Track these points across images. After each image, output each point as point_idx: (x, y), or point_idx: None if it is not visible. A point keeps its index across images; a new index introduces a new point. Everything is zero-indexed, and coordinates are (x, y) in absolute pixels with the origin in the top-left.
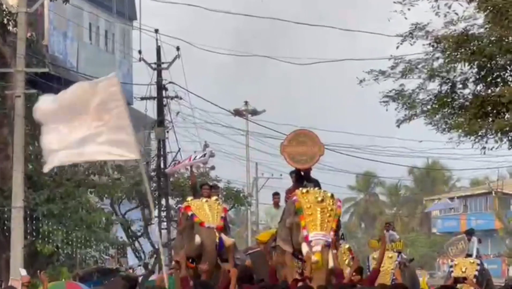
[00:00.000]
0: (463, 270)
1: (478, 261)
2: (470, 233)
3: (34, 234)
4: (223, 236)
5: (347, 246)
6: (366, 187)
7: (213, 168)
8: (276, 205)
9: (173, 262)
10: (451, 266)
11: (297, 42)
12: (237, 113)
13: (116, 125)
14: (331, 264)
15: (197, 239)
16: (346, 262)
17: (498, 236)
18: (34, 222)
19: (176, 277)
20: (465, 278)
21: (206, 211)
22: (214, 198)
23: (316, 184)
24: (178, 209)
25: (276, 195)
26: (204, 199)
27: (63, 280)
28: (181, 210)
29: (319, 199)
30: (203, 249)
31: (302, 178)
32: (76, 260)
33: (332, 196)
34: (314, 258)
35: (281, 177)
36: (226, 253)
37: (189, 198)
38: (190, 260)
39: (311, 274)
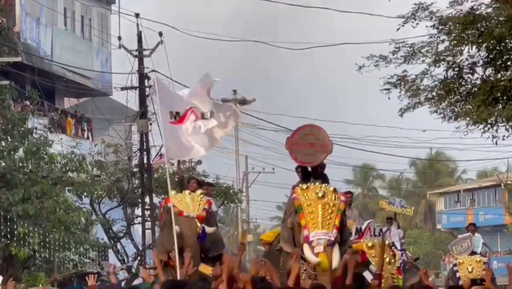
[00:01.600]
0: (470, 269)
1: (485, 260)
2: (474, 225)
3: (9, 236)
4: (205, 226)
5: (387, 242)
6: (364, 180)
7: (199, 162)
8: None
9: (155, 261)
10: (455, 265)
11: (292, 26)
12: (225, 102)
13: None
14: (335, 264)
15: (176, 228)
16: (387, 259)
17: (508, 232)
18: (8, 223)
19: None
20: (482, 279)
21: (188, 202)
22: (198, 191)
23: (324, 180)
24: (159, 204)
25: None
26: (187, 192)
27: (40, 285)
28: (161, 205)
29: (320, 194)
30: (183, 240)
31: (309, 174)
32: (54, 264)
33: (334, 190)
34: (316, 259)
35: (273, 171)
36: (211, 248)
37: (172, 192)
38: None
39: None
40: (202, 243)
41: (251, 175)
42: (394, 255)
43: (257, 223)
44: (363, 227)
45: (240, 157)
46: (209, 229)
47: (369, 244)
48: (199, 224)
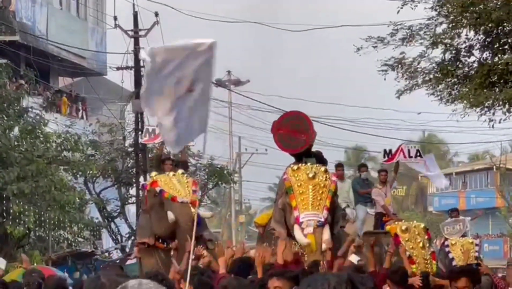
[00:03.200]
0: (463, 250)
1: (477, 241)
2: (456, 211)
3: (4, 215)
4: (200, 211)
5: (422, 225)
6: (357, 162)
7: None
8: (341, 177)
9: (137, 245)
10: (447, 245)
11: (291, 7)
12: (219, 83)
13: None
14: (325, 245)
15: (170, 216)
16: (421, 244)
17: (500, 215)
18: (3, 202)
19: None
20: (479, 264)
21: (176, 185)
22: (180, 171)
23: (318, 159)
24: (143, 187)
25: (339, 167)
26: (171, 173)
27: (35, 264)
28: (146, 187)
29: (310, 175)
30: (178, 227)
31: (300, 154)
32: (49, 242)
33: (325, 170)
34: (305, 240)
35: (266, 152)
36: (202, 229)
37: (153, 173)
38: (160, 240)
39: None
40: (196, 228)
41: (244, 155)
42: (429, 239)
43: (249, 204)
44: (394, 149)
45: (233, 138)
46: (205, 214)
47: (403, 227)
48: (193, 210)
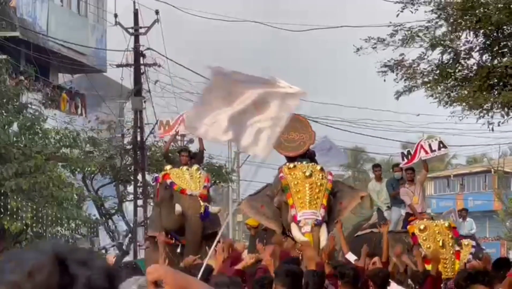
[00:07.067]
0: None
1: (473, 243)
2: (465, 210)
3: (2, 210)
4: (208, 205)
5: (446, 224)
6: (355, 163)
7: (191, 141)
8: (379, 178)
9: (147, 238)
10: None
11: (292, 7)
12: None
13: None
14: (323, 243)
15: (178, 208)
16: (440, 243)
17: (498, 218)
18: (1, 197)
19: (147, 254)
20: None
21: (187, 179)
22: (195, 166)
23: (311, 159)
24: (155, 179)
25: (377, 167)
26: (185, 167)
27: None
28: (158, 180)
29: (307, 173)
30: (186, 220)
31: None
32: (46, 239)
33: (321, 169)
34: (304, 238)
35: None
36: (211, 225)
37: (168, 167)
38: (169, 236)
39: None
40: (203, 222)
41: (243, 154)
42: (456, 238)
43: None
44: (412, 150)
45: None
46: (213, 209)
47: (421, 226)
48: (202, 203)
